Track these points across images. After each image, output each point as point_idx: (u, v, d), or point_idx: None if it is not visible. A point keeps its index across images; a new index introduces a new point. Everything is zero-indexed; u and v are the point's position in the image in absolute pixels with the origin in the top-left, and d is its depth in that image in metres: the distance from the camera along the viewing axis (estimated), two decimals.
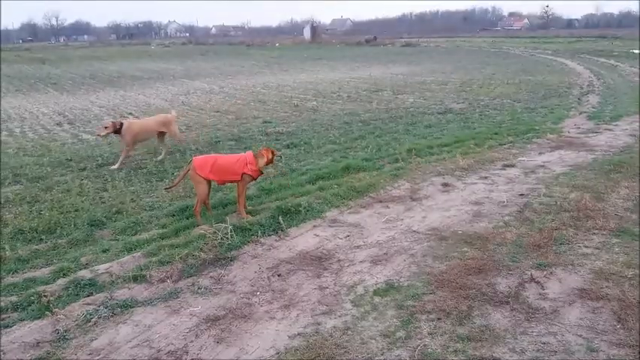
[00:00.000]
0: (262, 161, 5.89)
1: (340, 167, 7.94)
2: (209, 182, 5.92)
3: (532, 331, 3.55)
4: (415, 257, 4.89)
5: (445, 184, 7.26)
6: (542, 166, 8.05)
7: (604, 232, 5.25)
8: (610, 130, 10.81)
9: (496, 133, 10.51)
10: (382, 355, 3.39)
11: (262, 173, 6.07)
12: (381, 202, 6.64)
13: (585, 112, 12.93)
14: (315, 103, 15.76)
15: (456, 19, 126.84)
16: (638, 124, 11.23)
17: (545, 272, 4.39)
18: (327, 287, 4.38)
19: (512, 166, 8.13)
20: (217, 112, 14.38)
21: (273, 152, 6.04)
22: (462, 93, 17.21)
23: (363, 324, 3.78)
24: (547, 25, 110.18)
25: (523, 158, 8.57)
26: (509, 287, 4.15)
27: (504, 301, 3.95)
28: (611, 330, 3.52)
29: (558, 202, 6.20)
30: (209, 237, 5.23)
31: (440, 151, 9.17)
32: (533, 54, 38.28)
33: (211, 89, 19.91)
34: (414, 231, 5.61)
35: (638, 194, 6.36)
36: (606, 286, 4.11)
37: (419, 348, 3.42)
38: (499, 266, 4.56)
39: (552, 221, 5.59)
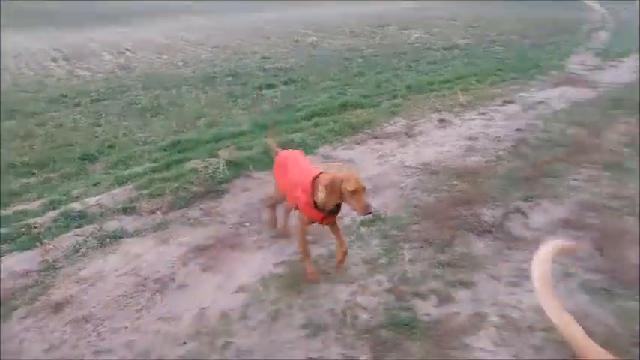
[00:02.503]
0: (322, 196, 3.19)
1: (337, 104, 7.86)
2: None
3: (511, 259, 3.61)
4: (404, 190, 4.91)
5: (442, 120, 7.18)
6: (543, 102, 7.92)
7: (595, 166, 5.23)
8: (615, 66, 10.56)
9: (500, 70, 10.30)
10: (363, 279, 3.47)
11: (327, 217, 3.35)
12: (376, 138, 6.61)
13: (593, 49, 12.57)
14: (315, 38, 15.38)
15: None
16: None
17: (531, 204, 4.41)
18: None
19: (512, 102, 8.00)
20: (216, 47, 14.08)
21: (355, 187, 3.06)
22: (469, 29, 16.70)
23: (348, 252, 3.84)
24: None
25: (524, 94, 8.42)
26: (494, 218, 4.19)
27: (488, 231, 3.99)
28: (589, 257, 3.57)
29: (554, 138, 6.15)
30: (201, 171, 5.26)
31: (440, 87, 9.02)
32: None
33: (211, 25, 19.41)
34: (406, 166, 5.60)
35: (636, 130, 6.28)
36: (589, 217, 4.14)
37: (399, 274, 3.49)
38: (487, 198, 4.57)
39: (546, 156, 5.56)
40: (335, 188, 3.09)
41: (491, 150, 5.90)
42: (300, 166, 3.58)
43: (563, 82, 9.19)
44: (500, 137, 6.30)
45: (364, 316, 3.09)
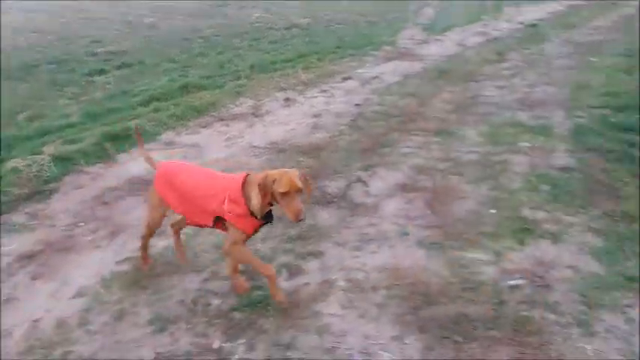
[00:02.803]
0: (254, 199, 2.72)
1: (178, 86, 7.56)
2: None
3: (354, 225, 3.80)
4: (252, 171, 4.88)
5: (287, 99, 7.27)
6: (377, 77, 8.38)
7: (425, 133, 5.68)
8: (440, 40, 11.54)
9: (338, 47, 10.69)
10: (215, 265, 3.39)
11: (264, 224, 2.87)
12: (222, 120, 6.49)
13: (421, 24, 13.62)
14: (151, 19, 14.54)
15: None
16: (465, 34, 12.11)
17: (370, 172, 4.67)
18: None
19: (350, 78, 8.36)
20: (36, 32, 12.60)
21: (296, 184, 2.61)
22: (308, 8, 17.05)
23: (197, 240, 3.72)
24: None
25: (360, 70, 8.84)
26: (338, 189, 4.35)
27: (332, 201, 4.14)
28: (422, 216, 3.89)
29: (388, 110, 6.56)
30: (23, 170, 4.68)
31: (283, 66, 9.10)
32: None
33: (31, 7, 17.32)
34: (254, 146, 5.58)
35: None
36: (421, 179, 4.50)
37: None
38: (330, 171, 4.73)
39: (381, 127, 5.92)
40: (267, 189, 2.63)
41: (333, 125, 6.11)
42: (207, 174, 2.99)
43: (395, 57, 9.82)
44: (340, 113, 6.56)
45: (216, 302, 3.03)
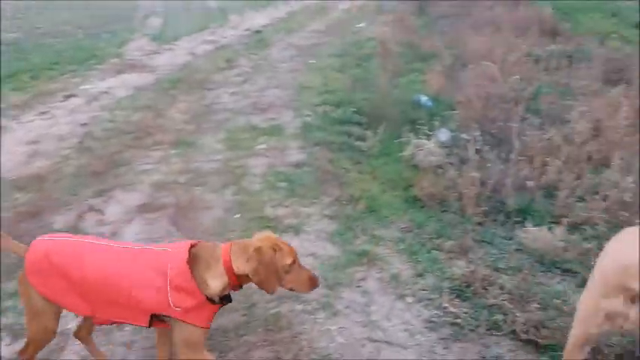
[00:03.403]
0: (216, 282, 2.05)
1: None
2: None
3: None
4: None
5: None
6: (106, 92, 7.76)
7: (164, 146, 5.46)
8: (170, 50, 11.30)
9: (56, 63, 9.59)
10: None
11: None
12: None
13: (149, 34, 13.14)
14: None
15: None
16: (194, 42, 12.09)
17: (105, 198, 4.27)
18: None
19: (75, 96, 7.57)
20: None
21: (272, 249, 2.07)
22: (15, 21, 14.90)
23: None
24: None
25: (85, 86, 8.07)
26: (66, 223, 3.84)
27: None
28: (167, 234, 3.70)
29: (121, 126, 6.12)
30: None
31: None
32: None
33: None
34: None
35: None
36: (163, 196, 4.30)
37: None
38: (57, 204, 4.18)
39: (114, 145, 5.48)
40: (273, 266, 2.00)
41: (56, 151, 5.43)
42: (123, 252, 2.09)
43: (124, 70, 9.23)
44: (64, 135, 5.86)
45: None
